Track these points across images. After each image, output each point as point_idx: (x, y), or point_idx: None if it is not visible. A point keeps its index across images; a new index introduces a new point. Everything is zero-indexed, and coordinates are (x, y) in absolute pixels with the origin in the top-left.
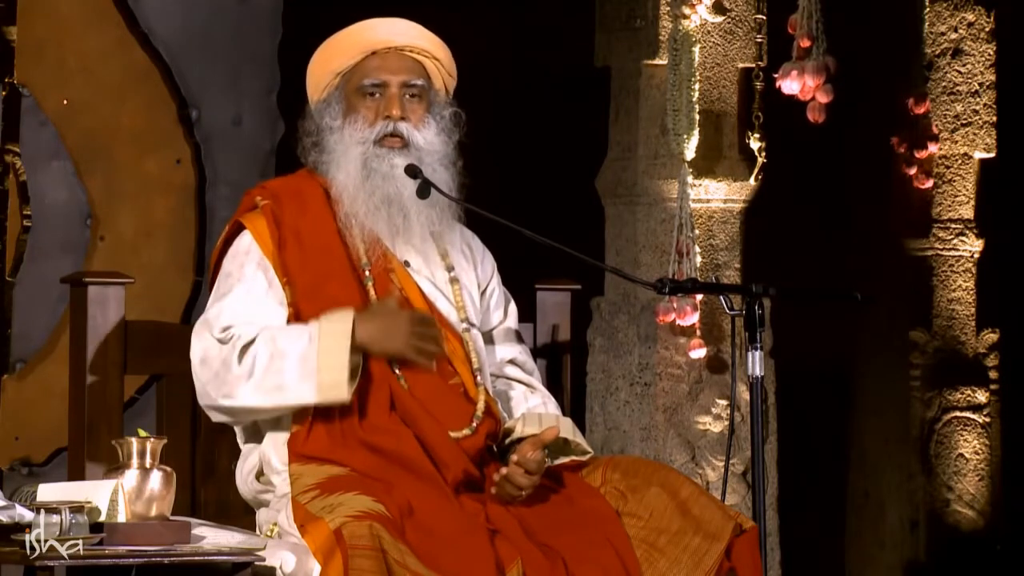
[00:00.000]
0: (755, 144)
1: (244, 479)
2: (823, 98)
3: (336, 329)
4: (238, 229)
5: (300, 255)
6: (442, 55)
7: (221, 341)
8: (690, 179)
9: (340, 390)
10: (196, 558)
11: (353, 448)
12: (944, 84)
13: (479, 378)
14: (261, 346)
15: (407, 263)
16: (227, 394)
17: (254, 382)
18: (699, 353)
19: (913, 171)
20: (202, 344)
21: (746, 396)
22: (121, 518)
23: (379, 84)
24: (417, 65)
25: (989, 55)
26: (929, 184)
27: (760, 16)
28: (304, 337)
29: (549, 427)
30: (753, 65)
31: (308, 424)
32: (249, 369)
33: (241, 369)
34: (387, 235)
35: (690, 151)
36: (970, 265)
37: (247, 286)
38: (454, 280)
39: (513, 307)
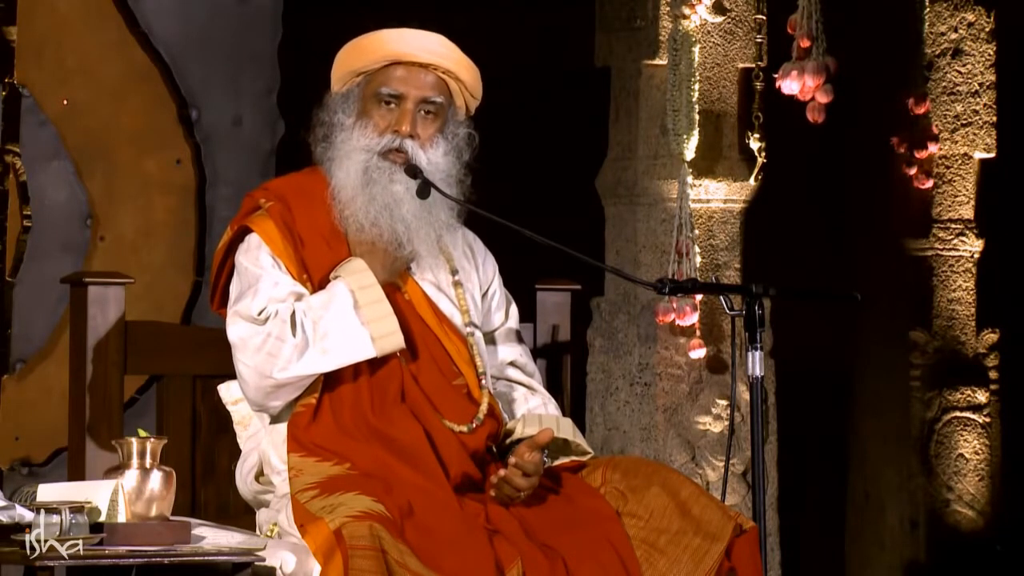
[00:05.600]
0: (755, 144)
1: (244, 479)
2: (823, 98)
3: (363, 280)
4: (244, 232)
5: (315, 251)
6: (467, 77)
7: (259, 322)
8: (690, 179)
9: (397, 337)
10: (196, 558)
11: (359, 439)
12: (944, 84)
13: (483, 381)
14: (304, 316)
15: (410, 266)
16: (283, 367)
17: (312, 349)
18: (699, 353)
19: (913, 171)
20: (238, 331)
21: (746, 396)
22: (121, 518)
23: (396, 96)
24: (440, 82)
25: (989, 55)
26: (929, 184)
27: (760, 16)
28: (339, 299)
29: (544, 429)
30: (753, 65)
31: (313, 409)
32: (303, 338)
33: (297, 339)
34: (391, 239)
35: (690, 151)
36: (970, 265)
37: (272, 276)
38: (457, 283)
39: (514, 309)
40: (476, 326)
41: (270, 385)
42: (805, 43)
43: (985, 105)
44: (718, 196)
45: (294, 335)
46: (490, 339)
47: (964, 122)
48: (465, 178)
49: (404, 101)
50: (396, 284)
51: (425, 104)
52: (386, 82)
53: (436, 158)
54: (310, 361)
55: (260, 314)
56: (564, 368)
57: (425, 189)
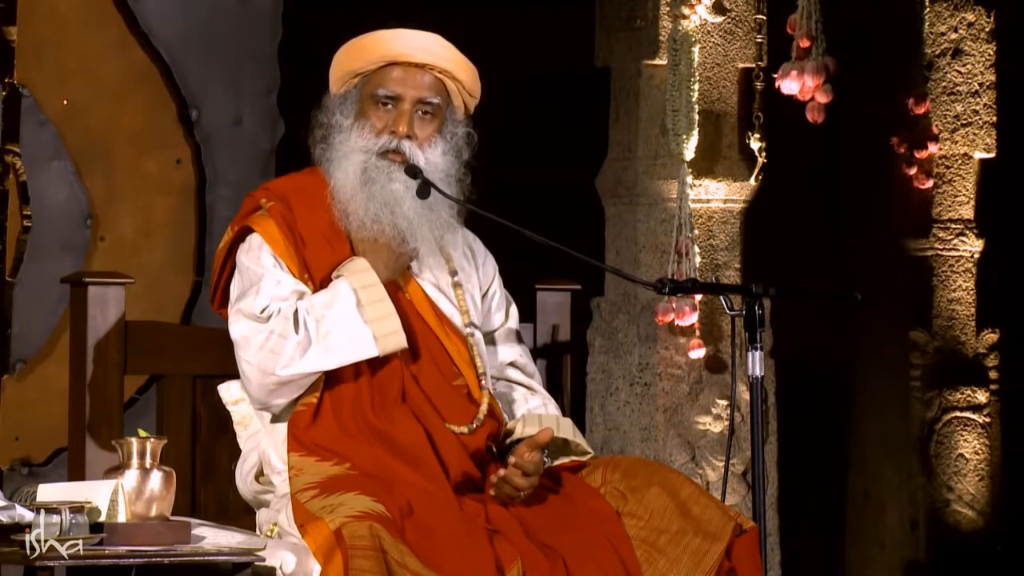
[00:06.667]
0: (755, 144)
1: (244, 479)
2: (822, 98)
3: (366, 279)
4: (245, 232)
5: (317, 251)
6: (464, 76)
7: (261, 320)
8: (690, 179)
9: (399, 337)
10: (196, 558)
11: (359, 439)
12: (944, 84)
13: (483, 381)
14: (307, 313)
15: (411, 266)
16: (286, 364)
17: (315, 347)
18: (699, 353)
19: (913, 171)
20: (240, 329)
21: (746, 396)
22: (121, 518)
23: (393, 97)
24: (437, 83)
25: (989, 55)
26: (929, 184)
27: (760, 16)
28: (342, 297)
29: (544, 429)
30: (753, 65)
31: (313, 409)
32: (306, 335)
33: (299, 336)
34: (392, 235)
35: (690, 151)
36: (970, 265)
37: (274, 275)
38: (457, 284)
39: (514, 310)
40: (476, 327)
41: (273, 382)
42: (805, 43)
43: (985, 105)
44: (718, 196)
45: (297, 332)
46: (490, 339)
47: (964, 122)
48: (464, 177)
49: (401, 102)
50: (398, 284)
51: (422, 105)
52: (383, 83)
53: (435, 158)
54: (313, 359)
55: (263, 312)
56: (564, 368)
57: (425, 189)
